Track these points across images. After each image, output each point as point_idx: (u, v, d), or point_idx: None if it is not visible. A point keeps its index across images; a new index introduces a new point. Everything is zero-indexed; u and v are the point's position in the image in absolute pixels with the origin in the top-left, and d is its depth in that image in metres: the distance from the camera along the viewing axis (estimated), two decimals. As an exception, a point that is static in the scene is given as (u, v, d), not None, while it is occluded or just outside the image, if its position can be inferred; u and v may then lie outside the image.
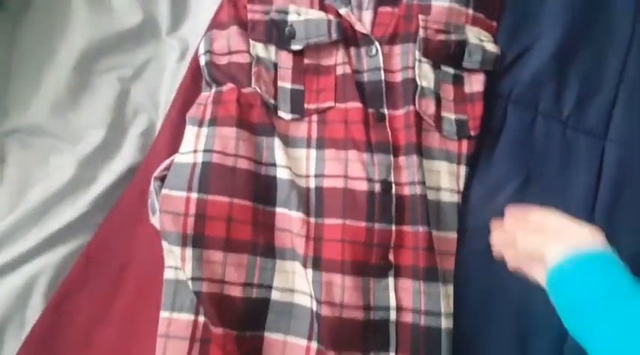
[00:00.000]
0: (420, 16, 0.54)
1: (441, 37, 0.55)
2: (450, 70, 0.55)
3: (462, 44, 0.55)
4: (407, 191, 0.51)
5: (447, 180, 0.52)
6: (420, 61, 0.54)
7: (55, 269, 0.53)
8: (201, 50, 0.55)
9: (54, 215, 0.54)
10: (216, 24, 0.56)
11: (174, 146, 0.55)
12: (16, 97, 0.57)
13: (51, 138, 0.57)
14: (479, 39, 0.56)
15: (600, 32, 0.60)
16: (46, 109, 0.57)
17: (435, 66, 0.55)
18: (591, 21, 0.60)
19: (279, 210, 0.51)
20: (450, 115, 0.54)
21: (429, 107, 0.53)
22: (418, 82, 0.54)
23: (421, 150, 0.52)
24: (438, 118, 0.54)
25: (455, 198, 0.52)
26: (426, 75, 0.54)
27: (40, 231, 0.53)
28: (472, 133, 0.54)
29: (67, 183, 0.54)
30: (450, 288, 0.51)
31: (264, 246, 0.50)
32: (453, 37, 0.55)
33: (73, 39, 0.58)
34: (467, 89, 0.56)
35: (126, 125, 0.59)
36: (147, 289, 0.53)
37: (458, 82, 0.56)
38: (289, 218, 0.50)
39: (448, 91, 0.55)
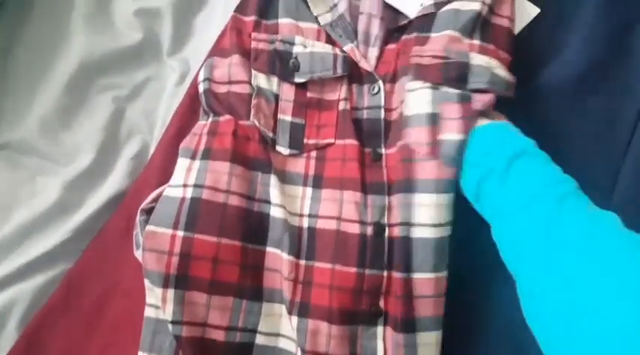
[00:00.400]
0: (415, 48, 0.50)
1: (438, 60, 0.48)
2: (453, 91, 0.48)
3: (465, 65, 0.48)
4: (397, 233, 0.47)
5: (425, 214, 0.46)
6: (411, 90, 0.49)
7: (31, 297, 0.51)
8: (201, 77, 0.52)
9: (35, 240, 0.52)
10: (218, 50, 0.54)
11: (165, 173, 0.53)
12: (7, 113, 0.55)
13: (39, 157, 0.55)
14: (487, 62, 0.48)
15: (619, 82, 0.56)
16: (36, 127, 0.55)
17: (434, 87, 0.48)
18: (611, 67, 0.56)
19: (269, 249, 0.48)
20: (451, 137, 0.46)
21: (420, 135, 0.47)
22: (404, 112, 0.48)
23: (409, 187, 0.47)
24: (434, 143, 0.46)
25: (430, 234, 0.45)
26: (419, 100, 0.48)
27: (19, 256, 0.51)
28: None
29: (51, 207, 0.52)
30: (432, 335, 0.45)
31: (251, 288, 0.47)
32: (454, 58, 0.48)
33: (69, 55, 0.56)
34: (475, 106, 0.47)
35: (118, 147, 0.56)
36: (127, 323, 0.51)
37: (464, 99, 0.47)
38: (280, 259, 0.47)
39: (451, 110, 0.47)
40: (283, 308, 0.47)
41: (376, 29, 0.53)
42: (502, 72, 0.49)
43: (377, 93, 0.51)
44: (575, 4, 0.56)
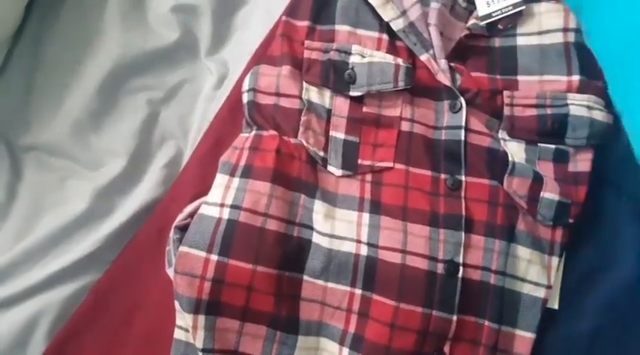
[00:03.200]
0: (505, 92, 0.46)
1: (532, 112, 0.46)
2: (550, 146, 0.46)
3: (563, 118, 0.45)
4: (477, 276, 0.44)
5: (534, 271, 0.44)
6: (504, 140, 0.46)
7: (60, 306, 0.49)
8: (245, 86, 0.48)
9: (64, 249, 0.49)
10: (266, 57, 0.49)
11: (200, 185, 0.50)
12: (38, 113, 0.53)
13: (70, 160, 0.52)
14: (587, 107, 0.45)
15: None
16: (67, 129, 0.52)
17: (530, 143, 0.46)
18: None
19: (306, 278, 0.45)
20: (552, 197, 0.45)
21: (521, 187, 0.45)
22: (510, 158, 0.45)
23: (511, 236, 0.44)
24: (533, 200, 0.45)
25: (540, 293, 0.44)
26: (515, 152, 0.46)
27: (48, 264, 0.49)
28: (571, 221, 0.45)
29: (80, 215, 0.50)
30: None
31: (286, 319, 0.44)
32: (550, 110, 0.45)
33: (102, 54, 0.52)
34: (571, 167, 0.46)
35: (151, 153, 0.53)
36: (155, 338, 0.49)
37: (560, 158, 0.46)
38: (324, 290, 0.44)
39: (547, 169, 0.46)
40: (322, 342, 0.45)
41: (442, 42, 0.48)
42: (600, 115, 0.46)
43: (458, 111, 0.46)
44: None
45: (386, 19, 0.47)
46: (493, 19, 0.47)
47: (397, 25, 0.47)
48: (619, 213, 0.47)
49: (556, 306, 0.46)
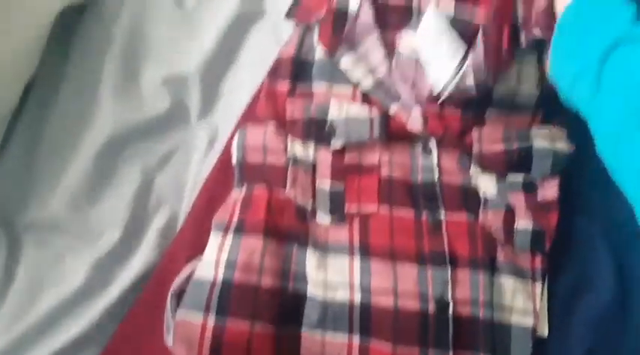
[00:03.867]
0: (474, 130, 0.48)
1: (499, 147, 0.48)
2: (519, 178, 0.48)
3: (528, 150, 0.47)
4: (467, 310, 0.44)
5: (519, 299, 0.44)
6: (476, 175, 0.48)
7: (58, 388, 0.47)
8: (234, 146, 0.50)
9: (61, 328, 0.49)
10: (251, 118, 0.52)
11: (196, 245, 0.49)
12: (36, 190, 0.54)
13: (68, 236, 0.52)
14: (549, 139, 0.48)
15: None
16: (64, 204, 0.53)
17: (500, 175, 0.48)
18: None
19: (305, 332, 0.44)
20: (526, 226, 0.46)
21: (496, 220, 0.46)
22: (480, 195, 0.47)
23: (492, 268, 0.45)
24: (509, 231, 0.46)
25: (529, 321, 0.44)
26: (487, 186, 0.47)
27: (47, 344, 0.48)
28: (547, 246, 0.46)
29: (77, 290, 0.49)
30: None
31: None
32: (515, 145, 0.47)
33: (97, 129, 0.54)
34: (540, 196, 0.47)
35: (147, 219, 0.53)
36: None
37: (529, 188, 0.48)
38: (322, 343, 0.43)
39: (519, 200, 0.47)
40: None
41: (415, 92, 0.49)
42: (562, 145, 0.48)
43: (430, 153, 0.48)
44: None
45: (353, 80, 0.50)
46: (449, 93, 0.48)
47: (365, 84, 0.49)
48: (592, 236, 0.48)
49: (546, 334, 0.45)
